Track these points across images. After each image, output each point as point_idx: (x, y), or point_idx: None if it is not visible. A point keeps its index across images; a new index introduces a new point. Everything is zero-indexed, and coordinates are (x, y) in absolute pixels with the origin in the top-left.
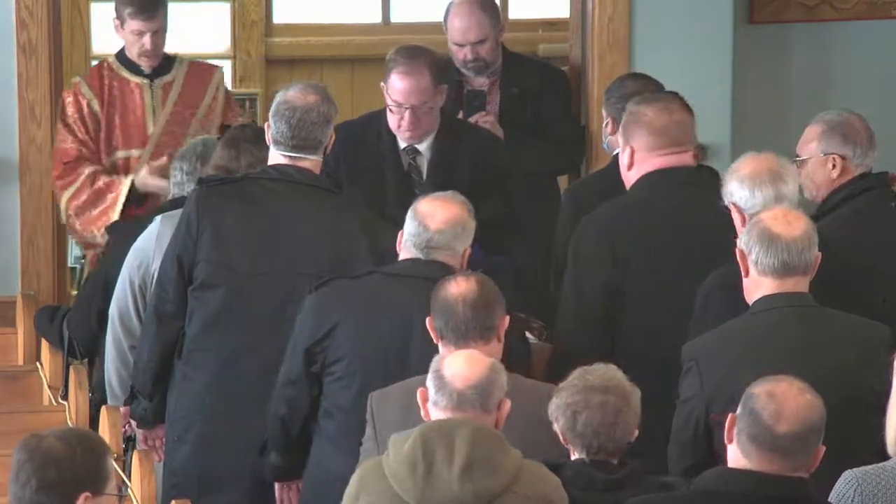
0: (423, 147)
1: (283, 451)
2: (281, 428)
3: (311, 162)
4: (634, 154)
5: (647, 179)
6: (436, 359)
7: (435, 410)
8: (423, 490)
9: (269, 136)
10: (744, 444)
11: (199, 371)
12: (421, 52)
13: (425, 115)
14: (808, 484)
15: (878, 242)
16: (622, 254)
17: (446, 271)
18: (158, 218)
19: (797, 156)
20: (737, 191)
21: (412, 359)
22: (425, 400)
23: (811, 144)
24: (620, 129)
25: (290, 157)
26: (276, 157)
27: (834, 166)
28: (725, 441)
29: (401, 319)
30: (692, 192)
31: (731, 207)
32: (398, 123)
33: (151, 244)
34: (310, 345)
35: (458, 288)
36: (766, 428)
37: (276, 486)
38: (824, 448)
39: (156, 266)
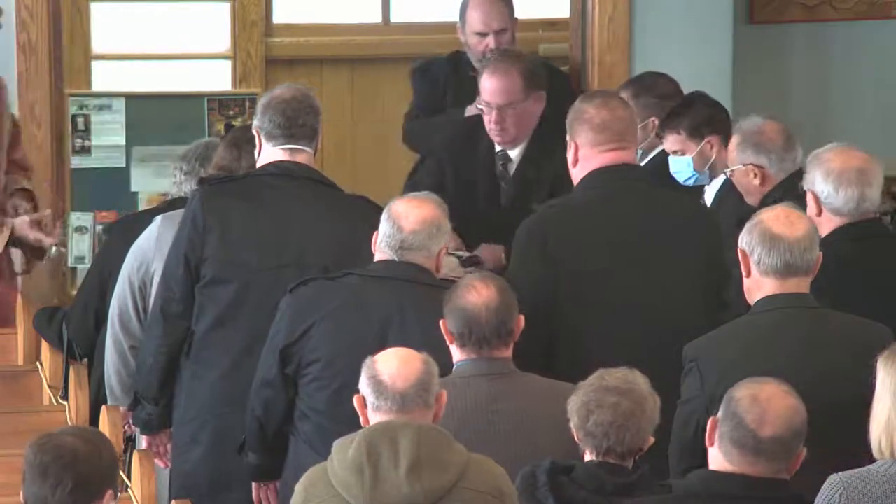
0: (514, 154)
1: (260, 452)
2: (258, 428)
3: (307, 155)
4: (579, 151)
5: (591, 178)
6: (367, 363)
7: (377, 415)
8: (372, 494)
9: (260, 137)
10: (727, 448)
11: (210, 369)
12: (514, 55)
13: (513, 118)
14: (790, 485)
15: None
16: (555, 254)
17: (421, 272)
18: (158, 218)
19: (726, 166)
20: (819, 182)
21: None
22: (363, 406)
23: (732, 154)
24: (567, 126)
25: (287, 149)
26: (272, 153)
27: (755, 175)
28: (707, 444)
29: (377, 321)
30: (635, 188)
31: (809, 194)
32: (488, 124)
33: (151, 245)
34: (284, 346)
35: (480, 296)
36: (749, 432)
37: (254, 485)
38: (805, 450)
39: (156, 267)
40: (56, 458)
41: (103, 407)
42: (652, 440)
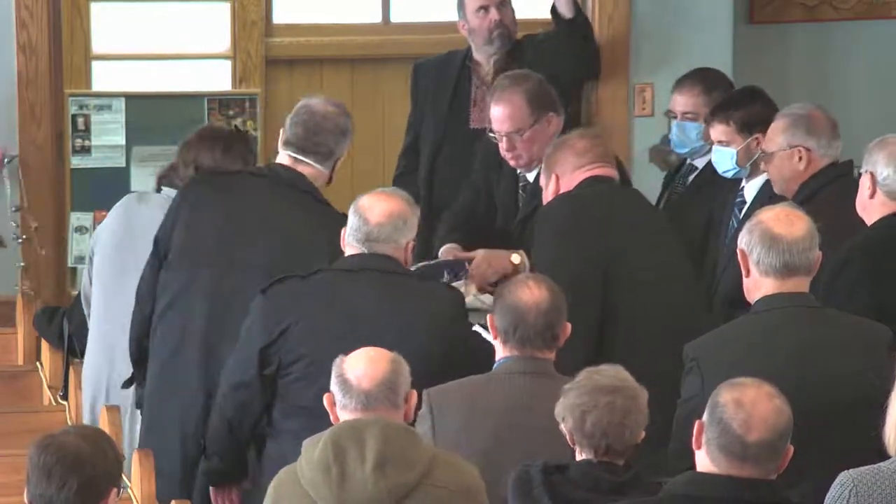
0: (530, 176)
1: (226, 455)
2: (228, 432)
3: (315, 170)
4: (560, 180)
5: (587, 183)
6: (336, 362)
7: (344, 413)
8: (339, 493)
9: (281, 140)
10: (714, 453)
11: (153, 357)
12: (519, 78)
13: (523, 144)
14: (779, 486)
15: (858, 226)
16: (608, 232)
17: (392, 262)
18: None
19: (763, 152)
20: (881, 164)
21: None
22: (332, 404)
23: (777, 138)
24: (544, 164)
25: (294, 158)
26: (281, 157)
27: (800, 158)
28: (693, 446)
29: (355, 313)
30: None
31: (866, 175)
32: (501, 152)
33: (110, 212)
34: (263, 346)
35: (532, 295)
36: (736, 438)
37: (213, 491)
38: (792, 448)
39: (100, 228)
40: (60, 458)
41: (103, 407)
42: (643, 434)
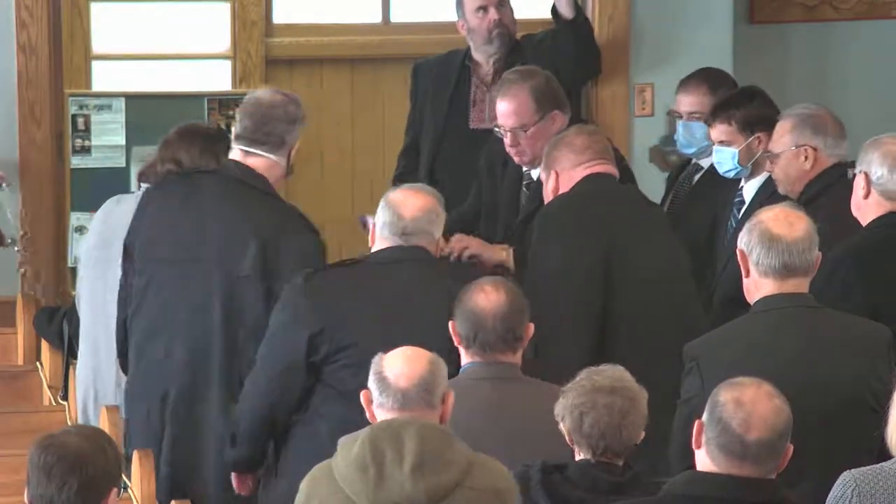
0: (534, 174)
1: (257, 445)
2: (266, 421)
3: (265, 160)
4: (559, 177)
5: (587, 181)
6: (375, 360)
7: (380, 412)
8: (375, 492)
9: (232, 135)
10: (713, 452)
11: (131, 360)
12: (526, 74)
13: (527, 140)
14: (779, 485)
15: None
16: (610, 230)
17: (429, 255)
18: None
19: (768, 152)
20: (875, 164)
21: (417, 343)
22: (369, 402)
23: (783, 139)
24: (543, 161)
25: (245, 151)
26: (233, 152)
27: (806, 158)
28: (693, 446)
29: (403, 304)
30: (626, 187)
31: (861, 175)
32: (506, 147)
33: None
34: (310, 335)
35: (489, 300)
36: (736, 437)
37: (235, 477)
38: (792, 447)
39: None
40: (60, 458)
41: (103, 407)
42: (643, 434)
